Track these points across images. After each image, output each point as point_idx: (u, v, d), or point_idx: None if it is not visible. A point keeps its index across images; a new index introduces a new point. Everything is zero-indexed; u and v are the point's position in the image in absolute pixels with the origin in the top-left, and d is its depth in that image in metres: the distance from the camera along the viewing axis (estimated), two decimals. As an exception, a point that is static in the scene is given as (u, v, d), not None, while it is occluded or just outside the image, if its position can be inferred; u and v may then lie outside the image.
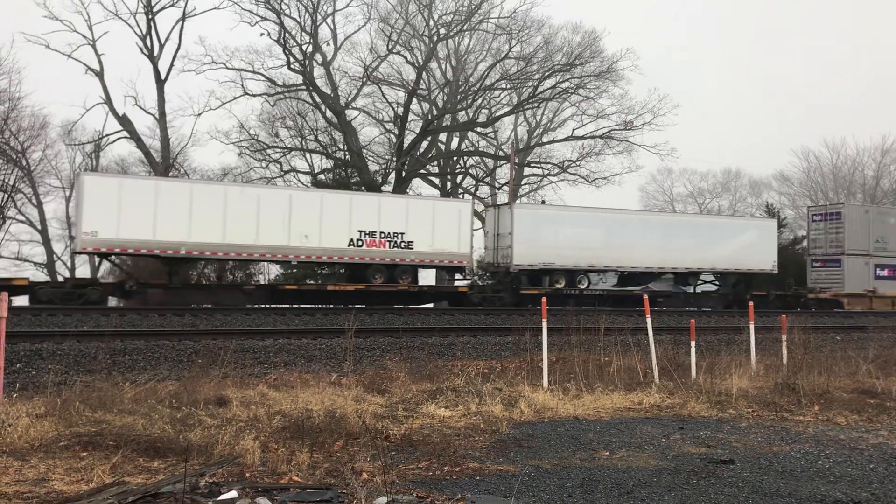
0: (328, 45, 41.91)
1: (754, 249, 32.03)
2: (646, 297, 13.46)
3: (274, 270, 34.98)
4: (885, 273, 34.41)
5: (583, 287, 29.46)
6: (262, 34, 38.59)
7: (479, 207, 38.85)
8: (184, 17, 37.91)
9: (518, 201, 40.17)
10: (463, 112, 44.42)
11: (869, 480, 6.49)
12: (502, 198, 45.75)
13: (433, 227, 27.22)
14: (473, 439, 7.83)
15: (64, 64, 77.67)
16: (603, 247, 29.35)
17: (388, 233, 26.62)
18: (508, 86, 43.18)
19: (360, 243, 26.19)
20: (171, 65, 38.23)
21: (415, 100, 42.52)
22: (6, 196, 37.34)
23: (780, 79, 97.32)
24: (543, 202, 40.11)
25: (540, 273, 29.21)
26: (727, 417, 9.38)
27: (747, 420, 9.23)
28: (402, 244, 26.81)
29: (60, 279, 28.67)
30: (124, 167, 41.92)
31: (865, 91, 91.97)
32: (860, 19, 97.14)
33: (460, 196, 44.47)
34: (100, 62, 37.87)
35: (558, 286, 28.94)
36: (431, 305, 28.14)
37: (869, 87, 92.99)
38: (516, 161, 43.96)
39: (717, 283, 32.58)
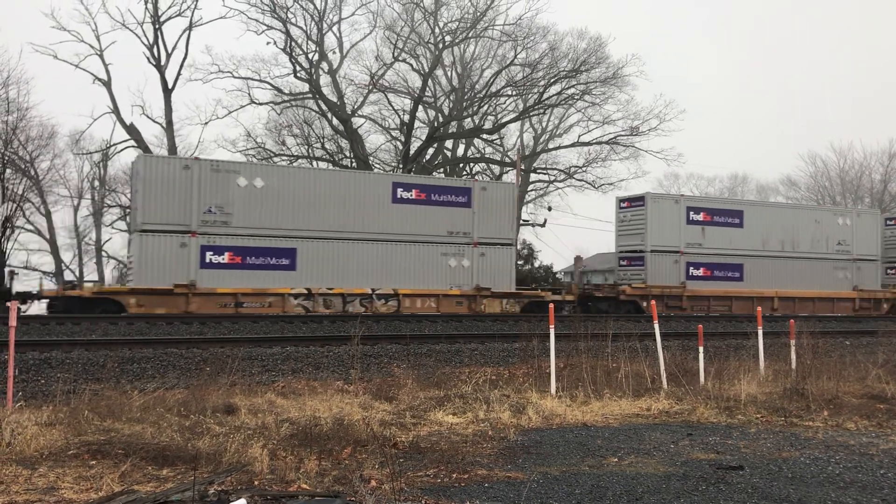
0: (334, 53, 42.22)
1: None
2: (654, 302, 13.40)
3: None
4: (226, 258, 22.11)
5: None
6: (268, 43, 39.38)
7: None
8: (190, 27, 38.23)
9: None
10: (469, 119, 44.51)
11: (879, 486, 6.45)
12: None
13: None
14: (481, 446, 7.82)
15: (72, 74, 78.35)
16: None
17: None
18: (514, 92, 43.29)
19: None
20: (178, 74, 38.56)
21: (421, 107, 42.68)
22: (15, 206, 37.51)
23: (785, 84, 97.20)
24: None
25: None
26: (736, 423, 9.34)
27: (756, 426, 9.19)
28: None
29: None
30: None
31: (873, 95, 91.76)
32: (864, 22, 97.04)
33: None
34: (107, 72, 38.16)
35: None
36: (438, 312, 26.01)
37: (875, 90, 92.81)
38: (522, 167, 43.97)
39: None
